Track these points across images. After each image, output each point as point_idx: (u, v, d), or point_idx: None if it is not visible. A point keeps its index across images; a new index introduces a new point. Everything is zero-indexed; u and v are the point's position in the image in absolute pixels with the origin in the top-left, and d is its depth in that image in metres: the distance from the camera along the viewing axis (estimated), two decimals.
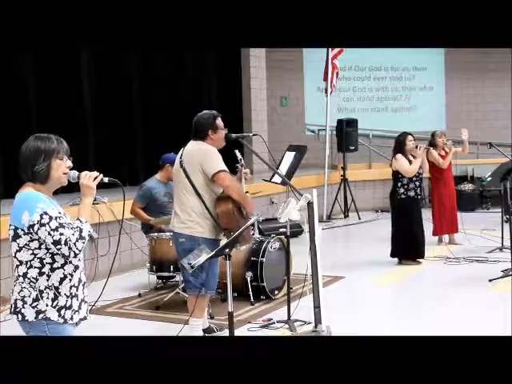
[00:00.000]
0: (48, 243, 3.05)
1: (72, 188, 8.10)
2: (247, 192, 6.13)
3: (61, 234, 3.04)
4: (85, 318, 3.30)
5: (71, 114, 9.79)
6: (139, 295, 6.88)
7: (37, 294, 3.11)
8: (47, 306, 3.12)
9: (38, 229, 3.04)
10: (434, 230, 9.04)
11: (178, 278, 6.68)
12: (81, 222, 3.15)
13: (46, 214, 3.05)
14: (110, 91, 10.44)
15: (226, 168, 5.02)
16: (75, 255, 3.08)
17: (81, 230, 3.10)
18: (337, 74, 12.50)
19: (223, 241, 4.97)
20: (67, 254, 3.06)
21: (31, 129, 8.69)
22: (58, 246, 3.05)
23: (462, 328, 5.49)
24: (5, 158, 8.78)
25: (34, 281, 3.11)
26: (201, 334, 5.27)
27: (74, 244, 3.06)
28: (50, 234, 3.04)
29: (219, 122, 5.15)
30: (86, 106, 10.17)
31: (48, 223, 3.04)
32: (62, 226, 3.06)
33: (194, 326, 5.16)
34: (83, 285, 3.27)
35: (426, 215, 9.05)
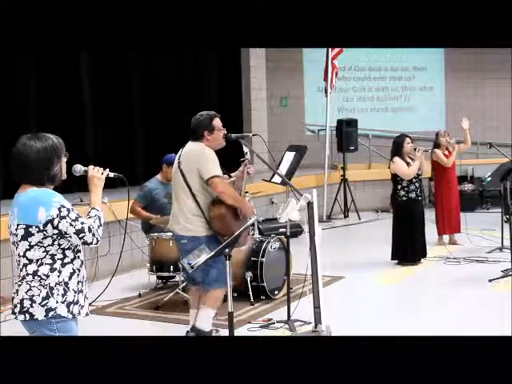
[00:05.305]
0: (70, 234, 3.10)
1: (72, 188, 8.03)
2: (247, 192, 6.12)
3: (82, 223, 3.12)
4: (87, 315, 3.32)
5: (71, 114, 9.78)
6: (139, 295, 6.88)
7: (47, 292, 3.13)
8: (57, 302, 3.14)
9: (59, 222, 3.09)
10: (438, 231, 9.05)
11: (178, 278, 6.69)
12: (97, 210, 3.27)
13: (63, 206, 3.11)
14: (109, 91, 10.42)
15: (220, 173, 5.00)
16: (97, 241, 3.19)
17: (99, 218, 3.23)
18: (336, 73, 12.49)
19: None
20: (90, 240, 3.14)
21: (31, 129, 8.69)
22: (82, 235, 3.12)
23: (462, 328, 5.49)
24: (5, 158, 8.77)
25: (45, 278, 3.13)
26: (211, 325, 5.24)
27: (97, 230, 3.17)
28: (71, 224, 3.10)
29: (216, 122, 5.13)
30: (86, 106, 10.16)
31: (68, 215, 3.11)
32: (79, 215, 3.15)
33: (205, 318, 5.14)
34: (85, 281, 3.32)
35: (429, 215, 9.04)
